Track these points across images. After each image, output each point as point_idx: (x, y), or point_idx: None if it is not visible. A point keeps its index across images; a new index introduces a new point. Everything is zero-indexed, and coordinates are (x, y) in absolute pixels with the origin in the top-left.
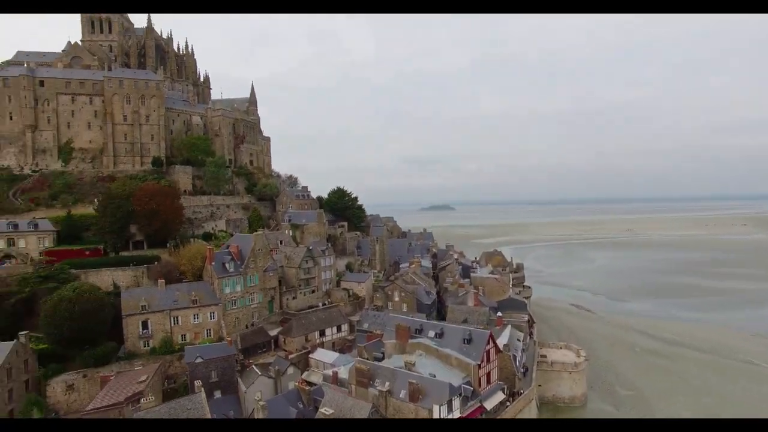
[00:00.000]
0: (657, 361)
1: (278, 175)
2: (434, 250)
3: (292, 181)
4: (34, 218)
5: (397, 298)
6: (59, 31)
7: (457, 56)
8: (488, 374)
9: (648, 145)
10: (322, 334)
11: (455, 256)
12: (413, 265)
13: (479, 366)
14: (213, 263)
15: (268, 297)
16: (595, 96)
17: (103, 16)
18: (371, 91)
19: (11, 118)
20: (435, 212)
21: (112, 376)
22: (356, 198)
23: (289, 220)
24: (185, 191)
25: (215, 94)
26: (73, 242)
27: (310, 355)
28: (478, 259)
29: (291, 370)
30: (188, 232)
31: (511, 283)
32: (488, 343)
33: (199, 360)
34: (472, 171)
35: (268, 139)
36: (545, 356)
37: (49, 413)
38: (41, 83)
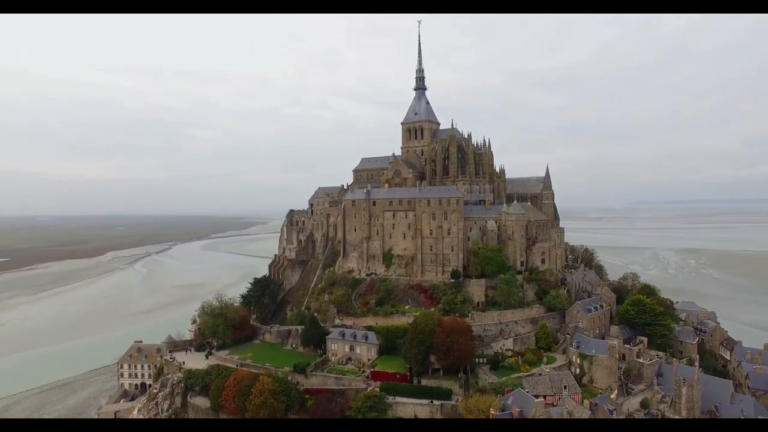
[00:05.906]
0: None
1: (570, 251)
2: None
3: (586, 257)
4: (363, 326)
5: None
6: (392, 140)
7: None
8: None
9: None
10: None
11: None
12: None
13: None
14: None
15: None
16: None
17: (418, 125)
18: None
19: (355, 230)
20: None
21: None
22: (663, 312)
23: (577, 346)
24: (478, 303)
25: (509, 169)
26: (390, 352)
27: None
28: None
29: None
30: (479, 351)
31: None
32: None
33: None
34: None
35: (561, 230)
36: None
37: None
38: (374, 203)
